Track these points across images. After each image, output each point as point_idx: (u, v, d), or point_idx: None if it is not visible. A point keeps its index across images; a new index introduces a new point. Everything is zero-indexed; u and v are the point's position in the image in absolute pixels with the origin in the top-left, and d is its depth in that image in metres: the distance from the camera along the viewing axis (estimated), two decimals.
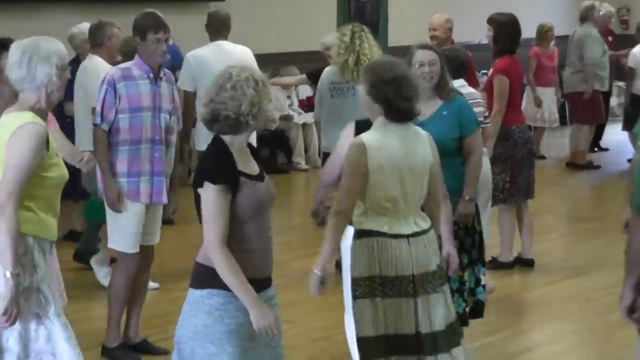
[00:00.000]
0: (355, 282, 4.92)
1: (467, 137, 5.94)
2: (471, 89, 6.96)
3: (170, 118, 6.25)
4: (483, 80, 13.51)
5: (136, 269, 6.40)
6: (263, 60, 8.77)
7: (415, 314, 4.90)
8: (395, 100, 4.78)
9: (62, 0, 11.28)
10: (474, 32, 13.98)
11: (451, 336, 4.95)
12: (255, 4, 13.00)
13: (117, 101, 6.10)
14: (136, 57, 6.22)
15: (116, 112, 6.12)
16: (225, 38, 8.52)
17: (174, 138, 6.34)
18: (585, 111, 12.85)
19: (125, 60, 7.08)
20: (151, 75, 6.16)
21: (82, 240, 8.52)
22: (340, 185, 4.93)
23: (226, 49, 8.33)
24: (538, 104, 13.04)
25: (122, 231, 6.23)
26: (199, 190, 4.18)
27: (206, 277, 4.21)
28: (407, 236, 4.90)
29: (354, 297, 4.93)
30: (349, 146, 4.91)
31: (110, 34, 8.14)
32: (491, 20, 8.33)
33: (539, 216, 9.82)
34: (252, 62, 8.27)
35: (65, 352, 4.57)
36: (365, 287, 4.91)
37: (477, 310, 6.10)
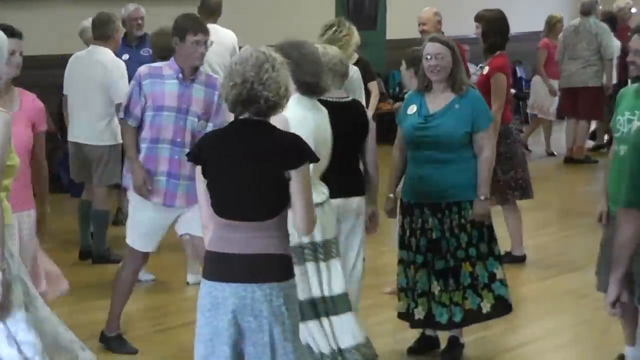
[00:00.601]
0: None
1: (478, 133, 5.91)
2: None
3: (198, 121, 6.05)
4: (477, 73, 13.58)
5: (142, 265, 6.44)
6: None
7: (320, 276, 5.19)
8: (303, 76, 5.11)
9: None
10: (472, 25, 13.96)
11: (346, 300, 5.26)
12: None
13: (143, 98, 6.02)
14: (172, 57, 6.08)
15: (143, 109, 6.05)
16: (215, 22, 8.76)
17: None
18: (588, 107, 12.81)
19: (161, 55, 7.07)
20: (180, 75, 6.02)
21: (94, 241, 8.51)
22: None
23: (212, 31, 8.41)
24: (554, 93, 13.03)
25: (136, 229, 6.19)
26: (293, 171, 4.04)
27: (291, 266, 4.14)
28: (321, 204, 5.14)
29: None
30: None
31: (117, 27, 8.23)
32: (479, 17, 8.34)
33: (537, 211, 9.83)
34: (236, 45, 8.53)
35: (45, 332, 4.55)
36: (297, 255, 5.02)
37: (501, 307, 6.03)
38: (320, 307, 5.16)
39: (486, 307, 5.96)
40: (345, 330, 5.18)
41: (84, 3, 10.66)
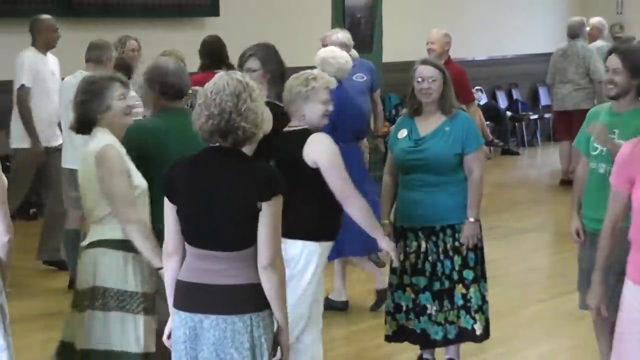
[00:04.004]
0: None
1: (467, 155, 5.90)
2: None
3: None
4: (477, 95, 13.63)
5: None
6: None
7: None
8: None
9: (60, 15, 11.26)
10: (468, 48, 14.00)
11: None
12: (249, 20, 13.01)
13: None
14: None
15: None
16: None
17: None
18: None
19: None
20: None
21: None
22: None
23: None
24: None
25: None
26: (264, 203, 3.92)
27: (264, 295, 4.02)
28: None
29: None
30: None
31: (111, 55, 8.20)
32: None
33: (532, 233, 9.82)
34: None
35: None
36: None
37: (488, 330, 6.05)
38: None
39: (479, 329, 5.96)
40: None
41: (82, 28, 10.67)
